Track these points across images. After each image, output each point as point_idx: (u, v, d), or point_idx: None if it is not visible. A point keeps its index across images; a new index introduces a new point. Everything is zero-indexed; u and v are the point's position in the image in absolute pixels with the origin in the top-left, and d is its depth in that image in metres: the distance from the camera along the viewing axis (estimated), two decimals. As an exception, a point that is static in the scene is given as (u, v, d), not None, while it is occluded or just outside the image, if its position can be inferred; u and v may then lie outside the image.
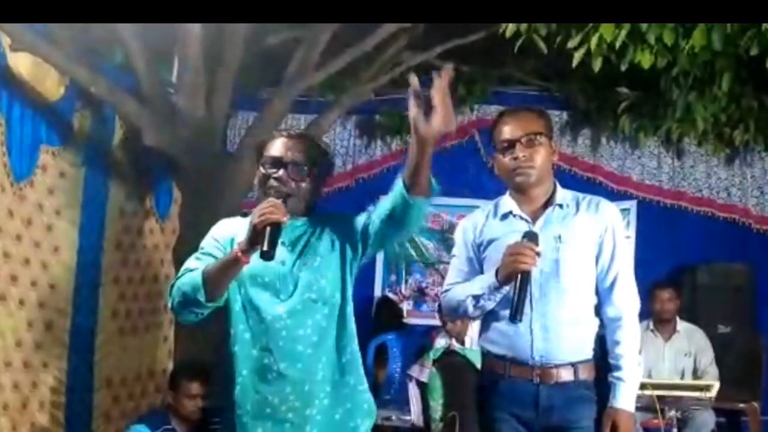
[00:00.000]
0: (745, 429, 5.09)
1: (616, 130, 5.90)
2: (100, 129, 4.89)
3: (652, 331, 5.04)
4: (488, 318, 2.56)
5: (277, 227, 2.10)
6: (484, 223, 2.61)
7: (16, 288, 4.20)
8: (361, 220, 2.29)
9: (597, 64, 4.12)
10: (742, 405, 4.91)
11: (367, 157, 6.38)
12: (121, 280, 5.07)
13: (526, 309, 2.39)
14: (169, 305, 2.30)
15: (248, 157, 4.12)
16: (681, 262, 5.83)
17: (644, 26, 3.84)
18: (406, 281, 6.33)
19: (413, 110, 2.01)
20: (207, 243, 2.36)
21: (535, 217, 2.53)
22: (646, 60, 4.05)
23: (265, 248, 2.08)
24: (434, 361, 4.70)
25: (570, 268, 2.47)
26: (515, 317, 2.35)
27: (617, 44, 3.88)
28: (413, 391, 4.80)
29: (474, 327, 4.37)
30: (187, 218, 4.69)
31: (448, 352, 4.68)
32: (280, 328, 2.24)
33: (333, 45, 4.85)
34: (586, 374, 2.46)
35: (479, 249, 2.59)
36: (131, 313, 5.17)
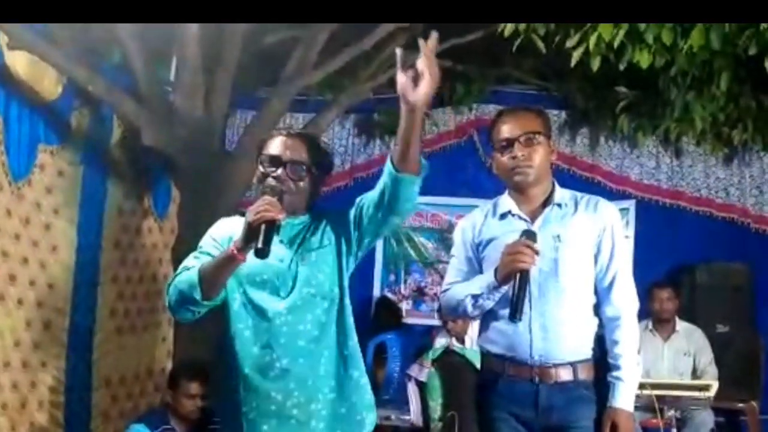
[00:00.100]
0: (744, 428, 5.10)
1: (614, 130, 5.90)
2: (98, 128, 4.88)
3: (651, 330, 5.04)
4: (487, 317, 2.56)
5: (272, 225, 2.11)
6: (483, 223, 2.61)
7: (14, 287, 4.20)
8: (354, 209, 2.30)
9: (595, 64, 4.12)
10: (740, 404, 4.93)
11: (366, 156, 6.39)
12: (119, 279, 5.07)
13: (525, 308, 2.39)
14: (166, 303, 2.31)
15: (247, 157, 4.12)
16: (680, 261, 5.82)
17: (643, 26, 3.84)
18: (405, 281, 6.33)
19: (401, 78, 2.03)
20: (205, 242, 2.37)
21: (533, 217, 2.53)
22: (644, 59, 4.05)
23: (259, 245, 2.08)
24: (433, 361, 4.70)
25: (569, 268, 2.47)
26: (514, 316, 2.35)
27: (616, 44, 3.89)
28: (412, 391, 4.80)
29: (474, 326, 4.37)
30: (185, 217, 4.69)
31: (447, 351, 4.68)
32: (281, 325, 2.25)
33: (331, 44, 4.85)
34: (585, 374, 2.46)
35: (478, 248, 2.59)
36: (130, 313, 5.17)
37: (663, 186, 6.10)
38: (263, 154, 2.33)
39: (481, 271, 2.55)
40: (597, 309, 2.52)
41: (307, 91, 5.45)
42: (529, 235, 2.40)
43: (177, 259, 4.10)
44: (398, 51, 2.06)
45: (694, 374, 4.95)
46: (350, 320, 2.34)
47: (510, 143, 2.50)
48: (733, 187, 6.05)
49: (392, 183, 2.13)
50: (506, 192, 2.61)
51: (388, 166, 2.13)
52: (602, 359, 2.49)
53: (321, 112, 5.27)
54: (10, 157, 4.13)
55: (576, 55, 4.06)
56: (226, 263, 2.17)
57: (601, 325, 2.52)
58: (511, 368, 2.48)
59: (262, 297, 2.27)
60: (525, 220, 2.53)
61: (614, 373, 2.45)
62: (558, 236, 2.48)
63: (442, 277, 3.83)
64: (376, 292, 6.27)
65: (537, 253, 2.36)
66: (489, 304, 2.48)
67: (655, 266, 5.55)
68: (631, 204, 6.08)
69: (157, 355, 5.43)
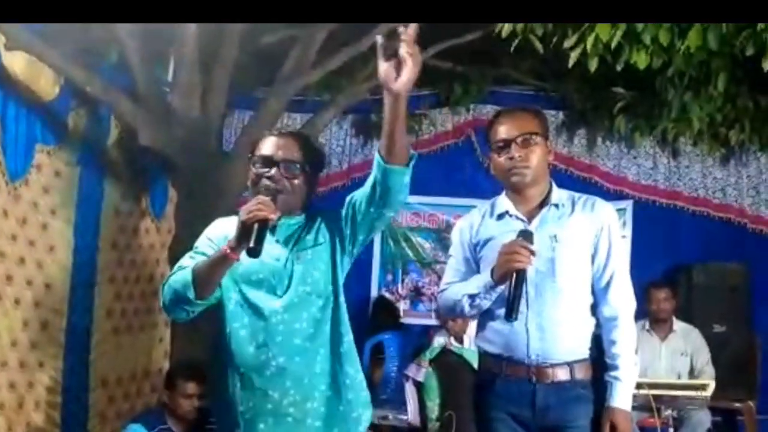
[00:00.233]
0: (741, 428, 5.11)
1: (612, 130, 5.91)
2: (95, 128, 4.88)
3: (648, 330, 5.04)
4: (484, 317, 2.56)
5: (264, 224, 2.12)
6: (481, 223, 2.61)
7: (11, 287, 4.19)
8: (346, 207, 2.31)
9: (593, 64, 4.12)
10: (737, 404, 4.94)
11: (363, 156, 6.38)
12: (116, 280, 5.07)
13: (522, 308, 2.39)
14: (161, 303, 2.32)
15: (244, 157, 4.10)
16: (677, 261, 5.84)
17: (640, 26, 3.84)
18: (403, 281, 6.33)
19: (383, 65, 2.01)
20: (201, 242, 2.37)
21: (530, 217, 2.53)
22: (641, 60, 4.06)
23: (251, 245, 2.09)
24: (431, 361, 4.70)
25: (566, 268, 2.47)
26: (510, 316, 2.35)
27: (613, 44, 3.89)
28: (410, 391, 4.80)
29: (474, 326, 4.37)
30: (182, 218, 4.69)
31: (445, 351, 4.68)
32: (277, 323, 2.25)
33: (329, 44, 4.85)
34: (582, 374, 2.46)
35: (476, 249, 2.60)
36: (127, 313, 5.16)
37: (660, 186, 6.11)
38: (256, 156, 2.34)
39: (478, 271, 2.56)
40: (594, 309, 2.52)
41: (304, 92, 5.44)
42: (526, 235, 2.41)
43: (174, 260, 4.09)
44: (379, 39, 2.03)
45: (692, 374, 4.96)
46: (345, 318, 2.34)
47: (507, 144, 2.50)
48: (730, 188, 6.07)
49: (382, 175, 2.12)
50: (503, 192, 2.61)
51: (377, 160, 2.13)
52: (599, 359, 2.49)
53: (318, 112, 5.27)
54: (6, 157, 4.12)
55: (573, 56, 4.06)
56: (220, 262, 2.17)
57: (598, 325, 2.52)
58: (509, 368, 2.48)
59: (258, 296, 2.28)
60: (522, 221, 2.53)
61: (612, 373, 2.45)
62: (555, 236, 2.48)
63: (439, 277, 3.84)
64: (374, 291, 6.26)
65: (533, 253, 2.36)
66: (486, 303, 2.49)
67: (652, 266, 5.56)
68: (628, 204, 6.09)
69: (154, 356, 5.43)
